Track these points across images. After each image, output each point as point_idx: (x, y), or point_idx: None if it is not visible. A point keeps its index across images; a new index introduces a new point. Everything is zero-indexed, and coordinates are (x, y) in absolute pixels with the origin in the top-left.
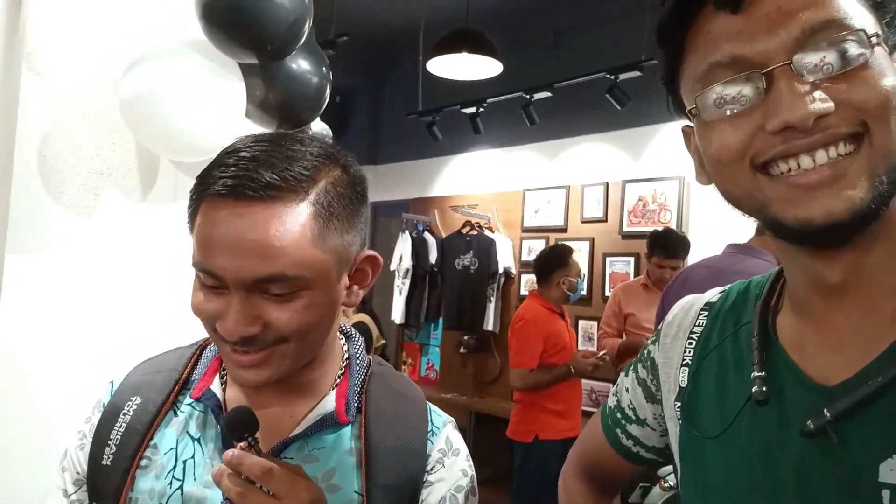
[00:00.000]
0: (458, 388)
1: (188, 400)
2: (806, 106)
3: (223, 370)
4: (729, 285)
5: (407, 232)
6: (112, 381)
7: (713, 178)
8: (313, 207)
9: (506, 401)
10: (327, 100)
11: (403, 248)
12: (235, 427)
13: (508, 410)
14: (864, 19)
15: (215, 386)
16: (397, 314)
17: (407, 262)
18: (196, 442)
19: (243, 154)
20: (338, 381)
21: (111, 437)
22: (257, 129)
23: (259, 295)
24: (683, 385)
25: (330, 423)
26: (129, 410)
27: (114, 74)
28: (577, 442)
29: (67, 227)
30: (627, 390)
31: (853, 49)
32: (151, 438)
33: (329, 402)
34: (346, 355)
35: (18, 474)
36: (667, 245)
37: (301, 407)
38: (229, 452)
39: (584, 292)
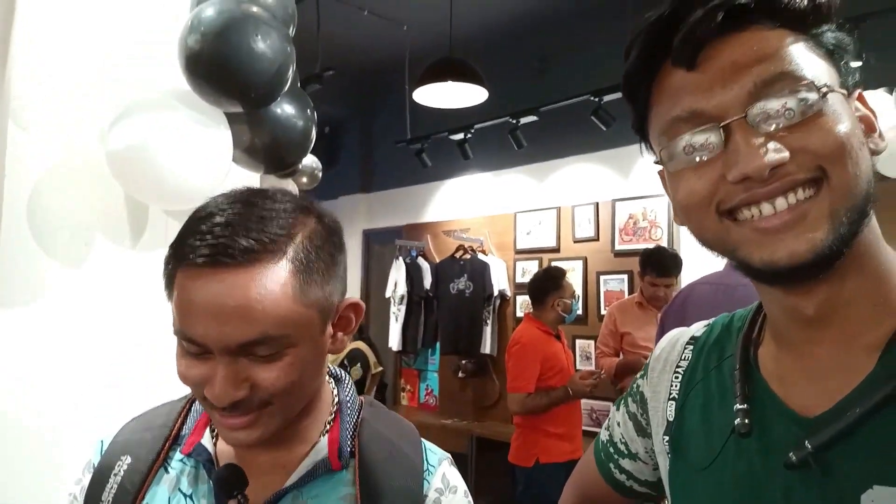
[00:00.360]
0: (457, 413)
1: (179, 456)
2: (761, 158)
3: (213, 423)
4: (714, 319)
5: (401, 258)
6: (102, 441)
7: (685, 222)
8: (292, 264)
9: (506, 424)
10: (313, 141)
11: (398, 275)
12: (224, 486)
13: (509, 434)
14: (816, 69)
15: (206, 440)
16: (394, 341)
17: (402, 289)
18: (188, 498)
19: (217, 219)
20: (328, 426)
21: (102, 497)
22: (245, 173)
23: (245, 357)
24: (671, 419)
25: (323, 470)
26: (119, 470)
27: (100, 126)
28: (572, 474)
29: (58, 279)
30: (619, 424)
31: (805, 99)
32: (143, 498)
33: (321, 449)
34: (336, 399)
35: None
36: (659, 264)
37: (292, 456)
38: None
39: (579, 312)
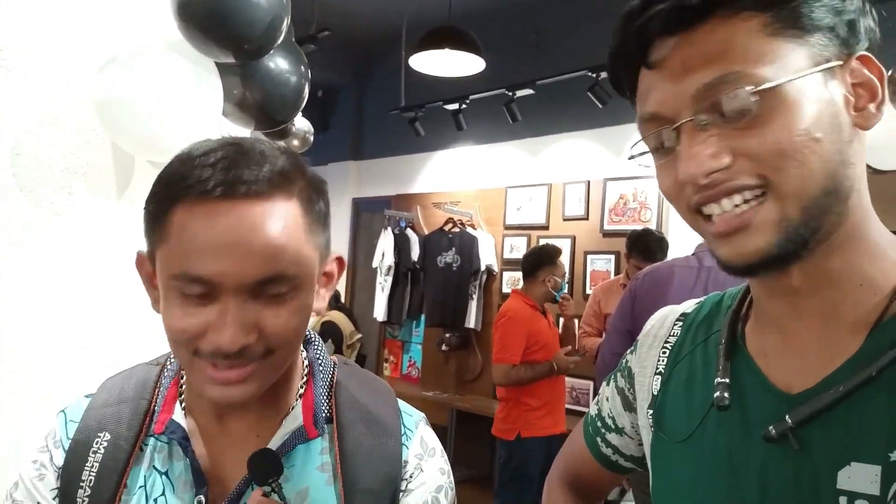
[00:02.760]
0: (439, 385)
1: (150, 433)
2: (699, 165)
3: (181, 396)
4: (705, 296)
5: (389, 228)
6: (64, 411)
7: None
8: (301, 204)
9: (487, 399)
10: (306, 99)
11: (386, 245)
12: (260, 471)
13: (490, 409)
14: (770, 61)
15: (178, 416)
16: (379, 311)
17: (389, 259)
18: (164, 476)
19: (218, 154)
20: (301, 390)
21: (83, 477)
22: (235, 130)
23: (254, 301)
24: (656, 393)
25: (300, 438)
26: (98, 448)
27: (88, 73)
28: (561, 449)
29: (40, 227)
30: (608, 399)
31: (747, 100)
32: (128, 477)
33: (296, 416)
34: (307, 361)
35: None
36: (645, 247)
37: (266, 425)
38: (254, 497)
39: (566, 292)
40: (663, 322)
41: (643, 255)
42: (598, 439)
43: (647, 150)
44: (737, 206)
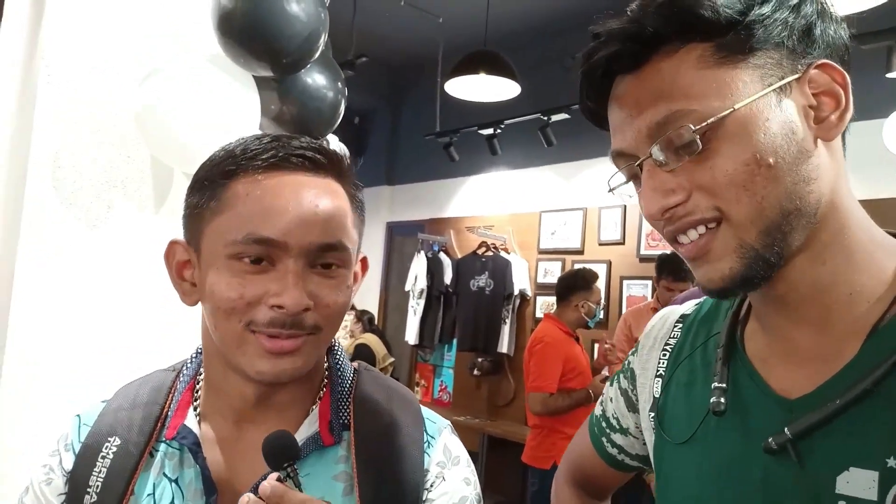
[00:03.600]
0: (470, 410)
1: (162, 439)
2: (654, 203)
3: (196, 402)
4: (705, 297)
5: (422, 252)
6: (78, 415)
7: None
8: (348, 192)
9: (519, 425)
10: (342, 115)
11: (418, 269)
12: (276, 454)
13: (522, 435)
14: (715, 92)
15: (190, 421)
16: (411, 335)
17: (422, 283)
18: (174, 483)
19: (269, 138)
20: (321, 395)
21: (91, 483)
22: None
23: (311, 270)
24: (657, 396)
25: (315, 445)
26: (108, 453)
27: (129, 86)
28: (568, 449)
29: (78, 238)
30: (612, 400)
31: (693, 137)
32: (135, 483)
33: (312, 423)
34: (327, 368)
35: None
36: (675, 268)
37: (286, 427)
38: (266, 485)
39: (600, 317)
40: (664, 323)
41: (674, 275)
42: (604, 439)
43: (625, 180)
44: (700, 235)
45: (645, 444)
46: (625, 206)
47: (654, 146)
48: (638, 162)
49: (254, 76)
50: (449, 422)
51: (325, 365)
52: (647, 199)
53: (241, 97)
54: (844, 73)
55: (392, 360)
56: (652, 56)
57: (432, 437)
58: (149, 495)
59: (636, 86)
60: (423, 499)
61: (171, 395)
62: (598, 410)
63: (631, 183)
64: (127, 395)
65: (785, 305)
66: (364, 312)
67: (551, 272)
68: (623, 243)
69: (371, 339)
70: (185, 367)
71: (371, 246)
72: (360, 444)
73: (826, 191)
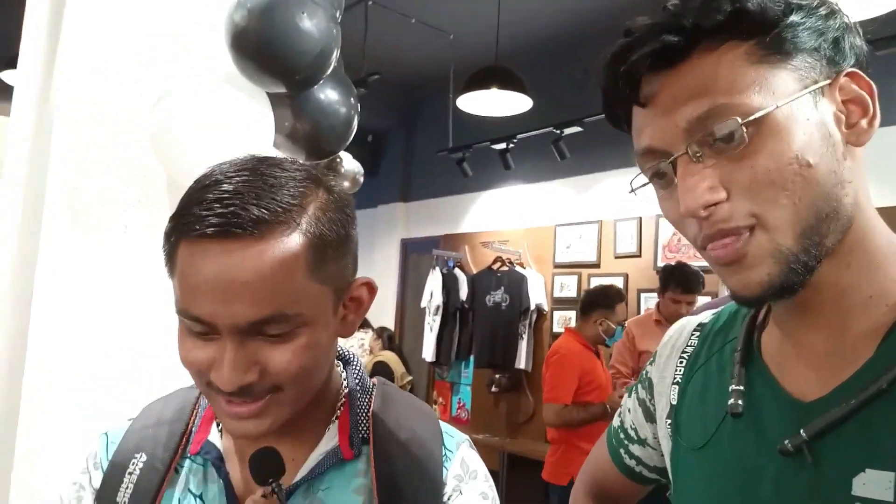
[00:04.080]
0: (489, 428)
1: (186, 453)
2: (696, 199)
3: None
4: (723, 307)
5: (437, 268)
6: (106, 433)
7: None
8: (305, 237)
9: (539, 442)
10: (355, 130)
11: (434, 285)
12: (261, 470)
13: (542, 452)
14: (757, 89)
15: (213, 436)
16: (428, 352)
17: (437, 299)
18: (199, 499)
19: (224, 187)
20: (338, 413)
21: (118, 499)
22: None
23: (255, 338)
24: (674, 403)
25: (334, 460)
26: (134, 469)
27: (145, 106)
28: (586, 461)
29: (95, 260)
30: (629, 411)
31: (736, 131)
32: (161, 499)
33: (331, 438)
34: (346, 383)
35: (40, 478)
36: (683, 279)
37: (301, 448)
38: (250, 500)
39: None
40: (681, 332)
41: (682, 286)
42: (622, 451)
43: (647, 181)
44: (730, 243)
45: (663, 455)
46: (640, 218)
47: (693, 142)
48: (672, 158)
49: (267, 93)
50: (468, 436)
51: (344, 379)
52: (686, 195)
53: (255, 115)
54: (871, 82)
55: (410, 378)
56: (691, 52)
57: (450, 451)
58: None
59: (673, 82)
60: None
61: (194, 412)
62: (616, 422)
63: (651, 185)
64: (152, 413)
65: (804, 308)
66: (384, 329)
67: (567, 286)
68: (639, 256)
69: (389, 357)
70: None
71: (386, 263)
72: (380, 458)
73: (855, 195)
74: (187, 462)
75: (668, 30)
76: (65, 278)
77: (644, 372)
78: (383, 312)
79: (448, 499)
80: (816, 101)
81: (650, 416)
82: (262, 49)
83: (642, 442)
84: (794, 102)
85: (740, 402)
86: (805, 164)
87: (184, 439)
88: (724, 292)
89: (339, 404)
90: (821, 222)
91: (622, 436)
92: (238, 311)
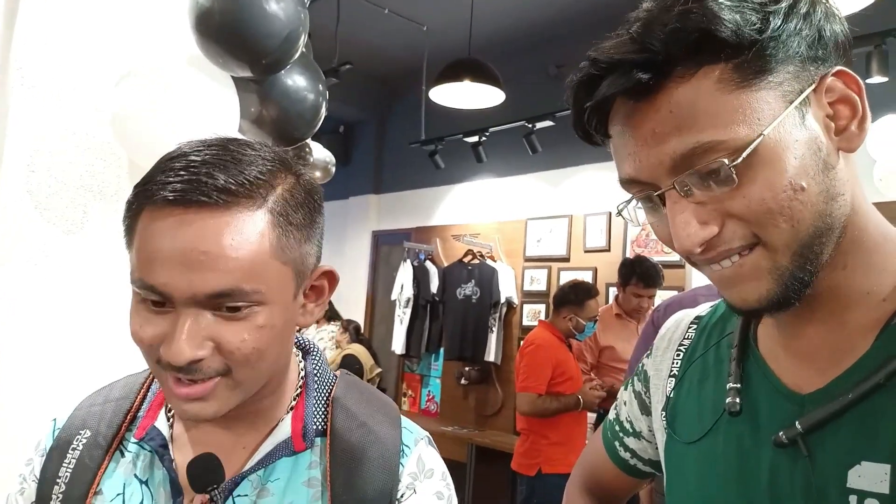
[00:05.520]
0: (458, 420)
1: (133, 439)
2: (690, 237)
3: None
4: (720, 299)
5: (408, 261)
6: (55, 419)
7: None
8: (271, 215)
9: (508, 434)
10: (323, 117)
11: (405, 278)
12: (199, 478)
13: (510, 444)
14: (741, 118)
15: (160, 423)
16: (398, 344)
17: (408, 292)
18: (144, 485)
19: (192, 158)
20: (293, 402)
21: (60, 474)
22: None
23: (210, 313)
24: (669, 395)
25: (285, 451)
26: (78, 445)
27: (105, 88)
28: (581, 455)
29: (54, 244)
30: (625, 403)
31: (724, 167)
32: (103, 474)
33: (284, 429)
34: (303, 373)
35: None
36: (646, 274)
37: (254, 436)
38: None
39: (591, 333)
40: (678, 325)
41: (644, 280)
42: (617, 443)
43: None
44: (733, 262)
45: (657, 448)
46: (609, 213)
47: (680, 177)
48: (659, 192)
49: (233, 77)
50: (427, 433)
51: (302, 370)
52: (680, 234)
53: (219, 98)
54: (858, 79)
55: (379, 370)
56: (664, 81)
57: (407, 447)
58: (118, 495)
59: (650, 113)
60: None
61: (141, 392)
62: (611, 415)
63: (637, 204)
64: (100, 393)
65: (803, 306)
66: (350, 322)
67: (538, 280)
68: (608, 250)
69: (358, 350)
70: None
71: (357, 255)
72: (334, 450)
73: (849, 202)
74: (135, 447)
75: (638, 63)
76: (22, 262)
77: (640, 364)
78: (354, 304)
79: (402, 496)
80: (804, 115)
81: (645, 409)
82: (226, 31)
83: (637, 434)
84: (780, 124)
85: (738, 400)
86: (798, 188)
87: (127, 417)
88: (691, 286)
89: (295, 394)
90: (816, 239)
91: (617, 428)
92: (196, 282)
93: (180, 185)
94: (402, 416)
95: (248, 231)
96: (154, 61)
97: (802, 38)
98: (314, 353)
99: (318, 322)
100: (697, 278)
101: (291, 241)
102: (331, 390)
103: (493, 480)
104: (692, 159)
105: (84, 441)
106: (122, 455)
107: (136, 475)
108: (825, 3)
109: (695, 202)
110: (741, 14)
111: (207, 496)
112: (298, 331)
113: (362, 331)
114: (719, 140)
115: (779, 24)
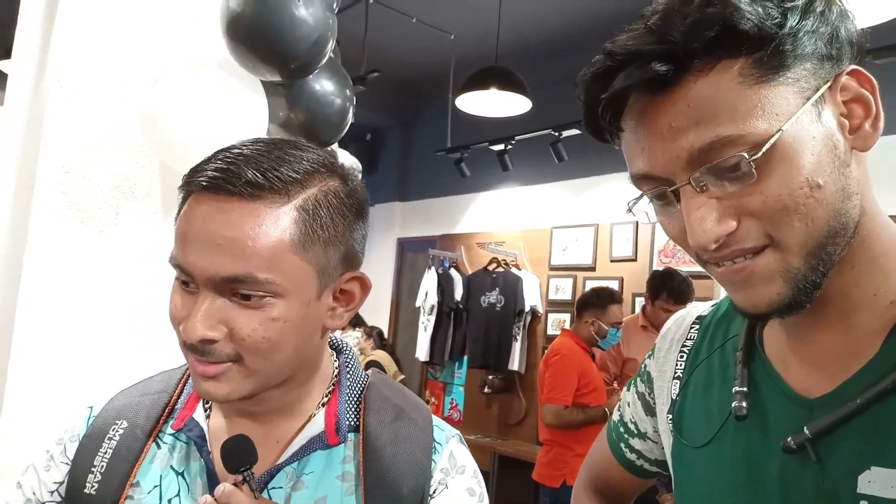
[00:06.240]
0: (481, 429)
1: (170, 430)
2: (706, 233)
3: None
4: (722, 297)
5: (433, 268)
6: (91, 407)
7: None
8: (297, 213)
9: (530, 444)
10: (349, 122)
11: (429, 285)
12: (232, 458)
13: (533, 454)
14: (761, 112)
15: (198, 415)
16: (421, 351)
17: (432, 299)
18: (180, 476)
19: (236, 151)
20: (326, 398)
21: (95, 463)
22: None
23: (229, 298)
24: (675, 398)
25: (319, 445)
26: (114, 435)
27: (139, 92)
28: (587, 456)
29: (86, 244)
30: (629, 405)
31: (743, 162)
32: (140, 466)
33: (318, 423)
34: (336, 371)
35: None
36: (676, 289)
37: (286, 430)
38: (220, 487)
39: (615, 342)
40: (680, 325)
41: (674, 296)
42: (622, 445)
43: (641, 196)
44: (740, 264)
45: (663, 448)
46: (636, 223)
47: (697, 172)
48: (674, 188)
49: (262, 82)
50: (458, 431)
51: (335, 365)
52: (696, 230)
53: (249, 102)
54: (872, 78)
55: (402, 377)
56: (682, 74)
57: (439, 444)
58: (155, 486)
59: (666, 106)
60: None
61: (179, 386)
62: (615, 416)
63: (648, 201)
64: (137, 386)
65: (809, 309)
66: (373, 328)
67: (563, 289)
68: (635, 260)
69: (381, 356)
70: None
71: (382, 262)
72: (367, 445)
73: (860, 202)
74: (170, 439)
75: (656, 55)
76: (55, 261)
77: (643, 365)
78: (378, 311)
79: (434, 492)
80: (820, 111)
81: (650, 410)
82: (256, 36)
83: (642, 436)
84: (798, 120)
85: (744, 404)
86: (815, 185)
87: (166, 410)
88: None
89: (328, 391)
90: (830, 240)
91: (622, 430)
92: (213, 264)
93: (212, 174)
94: (433, 415)
95: (269, 223)
96: (185, 65)
97: (819, 35)
98: (346, 353)
99: (342, 328)
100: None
101: (316, 241)
102: (363, 388)
103: (516, 490)
104: (710, 154)
105: (121, 432)
106: (159, 447)
107: (172, 466)
108: (840, 3)
109: (711, 197)
110: (763, 8)
111: (241, 476)
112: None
113: (385, 336)
114: (739, 134)
115: (797, 20)
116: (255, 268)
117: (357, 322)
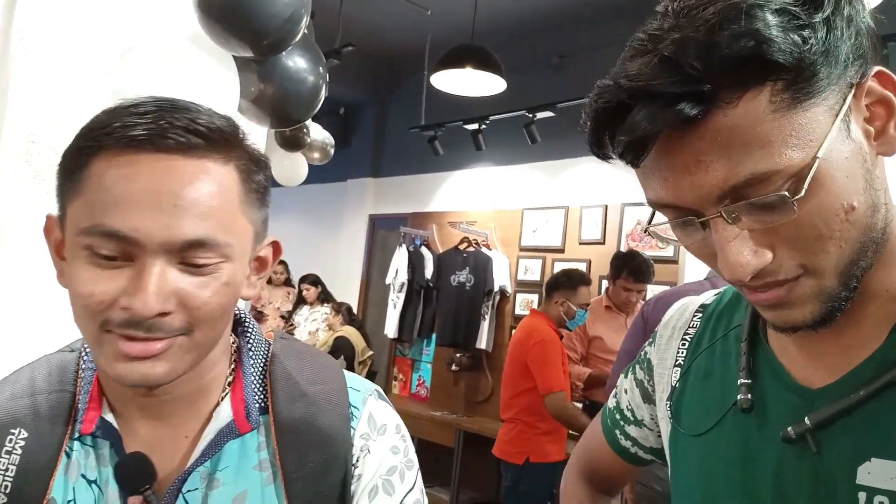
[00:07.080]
0: (448, 406)
1: (77, 435)
2: (743, 267)
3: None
4: (725, 287)
5: (404, 246)
6: None
7: None
8: (237, 172)
9: (496, 421)
10: (322, 99)
11: (399, 262)
12: (128, 481)
13: (497, 431)
14: (796, 142)
15: (108, 414)
16: (390, 328)
17: (403, 277)
18: (94, 485)
19: (148, 107)
20: (229, 380)
21: None
22: (250, 125)
23: (176, 266)
24: (675, 385)
25: (230, 435)
26: (13, 447)
27: (107, 63)
28: (579, 442)
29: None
30: (626, 391)
31: (780, 198)
32: (52, 484)
33: (224, 412)
34: (235, 346)
35: None
36: (637, 269)
37: (195, 424)
38: None
39: (583, 322)
40: (682, 313)
41: (634, 275)
42: (617, 431)
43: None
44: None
45: (659, 436)
46: (606, 206)
47: (731, 207)
48: (703, 219)
49: (234, 57)
50: (377, 386)
51: (234, 345)
52: (732, 263)
53: (219, 77)
54: (894, 76)
55: (371, 353)
56: (709, 107)
57: (356, 408)
58: (70, 501)
59: (692, 141)
60: (352, 475)
61: (77, 381)
62: (610, 403)
63: (666, 222)
64: (19, 381)
65: None
66: (341, 304)
67: (532, 270)
68: (603, 243)
69: (350, 332)
70: (85, 349)
71: (353, 238)
72: (279, 425)
73: (884, 209)
74: (78, 444)
75: (683, 97)
76: (21, 231)
77: (643, 352)
78: (349, 287)
79: (357, 460)
80: (848, 125)
81: (648, 397)
82: (229, 10)
83: (639, 423)
84: (831, 143)
85: (749, 396)
86: (849, 208)
87: (71, 413)
88: (683, 282)
89: (230, 370)
90: (862, 255)
91: (618, 416)
92: (173, 227)
93: (150, 127)
94: (347, 373)
95: (222, 181)
96: (156, 37)
97: (847, 44)
98: (246, 322)
99: (311, 304)
100: (689, 274)
101: (253, 201)
102: (265, 361)
103: (480, 466)
104: (745, 190)
105: (21, 443)
106: (68, 455)
107: (83, 475)
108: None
109: (745, 226)
110: (793, 32)
111: (141, 497)
112: (293, 310)
113: (355, 313)
114: (776, 170)
115: (824, 35)
116: (215, 229)
117: (326, 298)
